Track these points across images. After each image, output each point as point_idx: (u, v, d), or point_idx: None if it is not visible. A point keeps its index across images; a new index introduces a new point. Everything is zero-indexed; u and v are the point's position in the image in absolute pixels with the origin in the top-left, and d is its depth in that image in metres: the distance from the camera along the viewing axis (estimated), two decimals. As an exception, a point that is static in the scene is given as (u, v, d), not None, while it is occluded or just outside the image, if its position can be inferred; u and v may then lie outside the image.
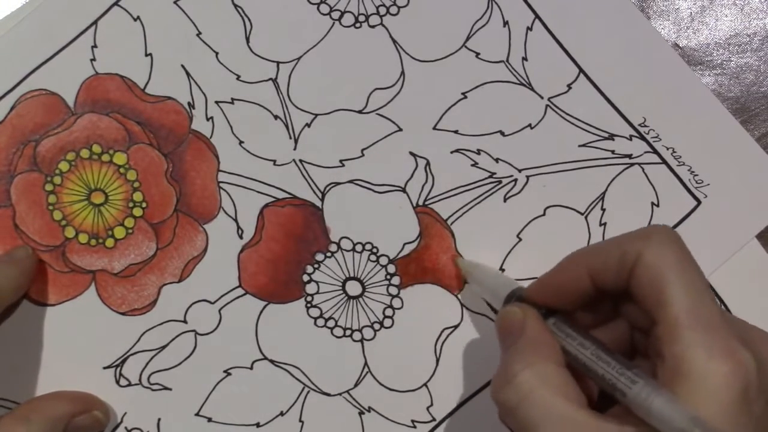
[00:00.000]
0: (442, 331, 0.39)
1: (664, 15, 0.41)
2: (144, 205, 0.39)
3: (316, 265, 0.39)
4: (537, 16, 0.41)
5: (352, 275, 0.39)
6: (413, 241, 0.39)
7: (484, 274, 0.37)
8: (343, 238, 0.39)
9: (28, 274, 0.37)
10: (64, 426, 0.35)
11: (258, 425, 0.38)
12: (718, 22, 0.41)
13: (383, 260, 0.39)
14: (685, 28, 0.40)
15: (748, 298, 0.40)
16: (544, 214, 0.40)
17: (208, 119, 0.39)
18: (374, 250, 0.39)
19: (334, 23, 0.40)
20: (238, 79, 0.40)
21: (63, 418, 0.35)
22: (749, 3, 0.40)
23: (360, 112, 0.40)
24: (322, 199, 0.39)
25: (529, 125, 0.40)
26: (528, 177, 0.40)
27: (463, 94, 0.40)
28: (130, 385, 0.38)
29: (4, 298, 0.36)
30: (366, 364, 0.38)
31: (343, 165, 0.40)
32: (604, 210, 0.40)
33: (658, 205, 0.40)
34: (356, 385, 0.38)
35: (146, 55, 0.39)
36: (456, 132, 0.40)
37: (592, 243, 0.31)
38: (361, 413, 0.38)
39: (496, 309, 0.38)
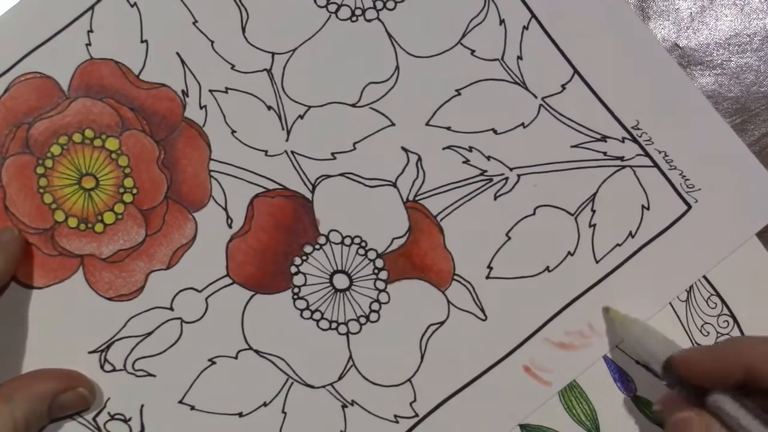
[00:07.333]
0: (428, 327, 0.39)
1: (664, 15, 0.41)
2: (134, 191, 0.39)
3: (304, 257, 0.39)
4: (533, 16, 0.41)
5: (339, 268, 0.39)
6: (402, 236, 0.39)
7: (645, 333, 0.37)
8: (332, 230, 0.39)
9: (15, 259, 0.37)
10: (49, 403, 0.35)
11: (240, 415, 0.38)
12: (718, 22, 0.41)
13: (371, 254, 0.39)
14: (685, 28, 0.40)
15: (749, 297, 0.40)
16: (533, 214, 0.40)
17: (201, 107, 0.39)
18: (363, 244, 0.39)
19: (330, 16, 0.40)
20: (232, 68, 0.40)
21: (47, 396, 0.35)
22: (749, 3, 0.40)
23: (353, 105, 0.40)
24: (313, 191, 0.39)
25: (522, 124, 0.40)
26: (519, 176, 0.40)
27: (457, 90, 0.40)
28: (114, 370, 0.38)
29: None
30: (351, 357, 0.38)
31: (335, 158, 0.40)
32: (594, 211, 0.40)
33: (648, 209, 0.40)
34: (340, 378, 0.38)
35: (142, 41, 0.39)
36: (449, 128, 0.40)
37: (757, 335, 0.32)
38: (344, 406, 0.38)
39: (653, 369, 0.37)
